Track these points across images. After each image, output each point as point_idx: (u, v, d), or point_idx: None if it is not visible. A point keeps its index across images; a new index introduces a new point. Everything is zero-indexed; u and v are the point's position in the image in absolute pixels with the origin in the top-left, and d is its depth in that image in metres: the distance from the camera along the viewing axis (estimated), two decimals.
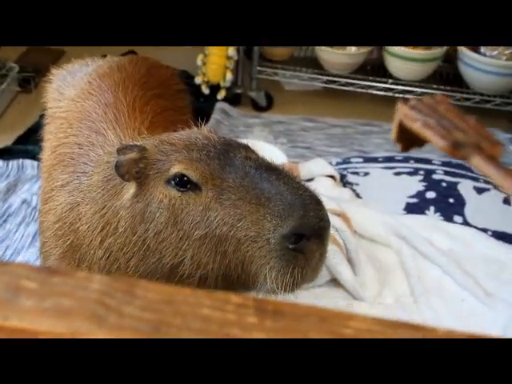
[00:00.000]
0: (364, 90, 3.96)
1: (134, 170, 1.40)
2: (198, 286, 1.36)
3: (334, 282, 2.33)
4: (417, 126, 0.83)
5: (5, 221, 3.04)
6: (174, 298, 0.54)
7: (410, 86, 3.89)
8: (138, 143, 1.47)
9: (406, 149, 0.96)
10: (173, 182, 1.35)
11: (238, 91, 4.16)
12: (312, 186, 2.60)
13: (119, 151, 1.43)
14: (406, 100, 0.88)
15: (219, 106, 4.06)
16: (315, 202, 1.28)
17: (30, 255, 2.83)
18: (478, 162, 0.74)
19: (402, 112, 0.86)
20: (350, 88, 3.98)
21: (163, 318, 0.52)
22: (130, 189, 1.43)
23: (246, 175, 1.30)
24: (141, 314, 0.52)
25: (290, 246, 1.25)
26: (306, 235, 1.24)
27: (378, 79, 3.93)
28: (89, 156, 1.69)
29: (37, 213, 3.03)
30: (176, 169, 1.35)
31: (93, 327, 0.51)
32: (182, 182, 1.34)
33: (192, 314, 0.53)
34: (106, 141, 1.71)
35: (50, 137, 2.01)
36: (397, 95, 3.89)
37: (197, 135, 1.42)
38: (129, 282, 0.55)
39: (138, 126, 1.76)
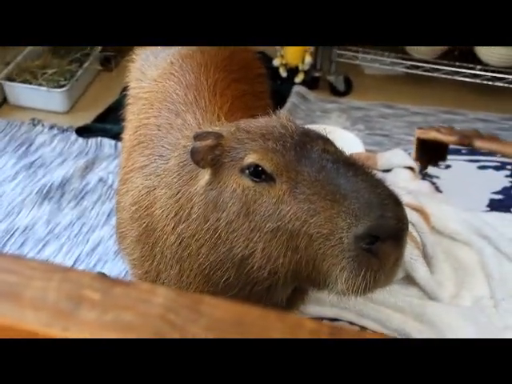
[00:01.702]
0: (449, 77, 3.82)
1: (210, 156, 1.38)
2: (267, 280, 1.33)
3: (408, 279, 2.26)
4: (432, 134, 0.96)
5: (82, 198, 3.14)
6: (242, 318, 0.51)
7: (501, 72, 3.73)
8: (215, 129, 1.45)
9: (425, 165, 1.04)
10: (247, 172, 1.32)
11: (317, 75, 4.10)
12: (390, 177, 2.54)
13: (196, 138, 1.41)
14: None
15: (296, 89, 4.02)
16: (394, 202, 1.21)
17: (105, 233, 2.91)
18: (481, 144, 0.87)
19: (418, 132, 1.00)
20: (435, 74, 3.84)
21: None
22: (205, 175, 1.42)
23: (322, 169, 1.25)
24: (206, 334, 0.50)
25: (364, 247, 1.19)
26: (382, 237, 1.18)
27: (465, 65, 3.78)
28: (167, 139, 1.69)
29: (112, 192, 3.11)
30: (251, 158, 1.31)
31: None
32: (257, 173, 1.31)
33: None
34: (184, 124, 1.70)
35: (132, 117, 2.02)
36: (485, 82, 3.74)
37: (274, 124, 1.38)
38: (194, 297, 0.53)
39: (217, 110, 1.75)
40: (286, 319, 0.52)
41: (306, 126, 1.45)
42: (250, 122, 1.43)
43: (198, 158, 1.39)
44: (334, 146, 1.35)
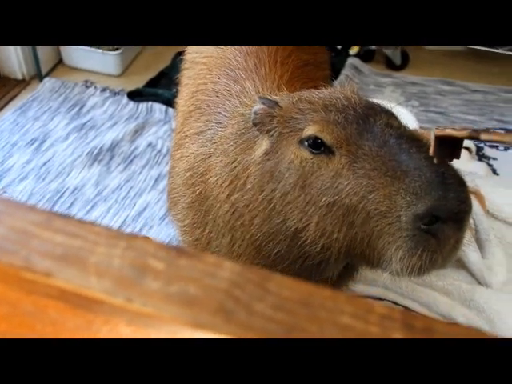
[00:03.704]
0: None
1: (268, 127, 1.36)
2: (319, 255, 1.30)
3: (458, 262, 2.20)
4: (448, 131, 1.06)
5: (130, 162, 3.15)
6: (311, 299, 0.48)
7: None
8: (276, 99, 1.41)
9: (442, 160, 1.13)
10: (306, 143, 1.28)
11: (373, 47, 4.01)
12: None
13: (260, 100, 1.39)
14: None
15: (351, 61, 3.95)
16: (458, 183, 1.15)
17: (152, 197, 2.93)
18: (486, 136, 0.99)
19: (436, 131, 1.09)
20: (500, 50, 3.68)
21: (297, 322, 0.47)
22: (263, 145, 1.39)
23: (384, 144, 1.20)
24: (273, 313, 0.47)
25: (423, 227, 1.14)
26: (443, 218, 1.13)
27: None
28: (225, 106, 1.66)
29: (161, 157, 3.11)
30: (311, 130, 1.27)
31: (219, 322, 0.46)
32: (316, 144, 1.26)
33: (330, 322, 0.47)
34: (243, 91, 1.67)
35: (188, 82, 2.00)
36: None
37: (338, 95, 1.34)
38: (262, 273, 0.50)
39: (277, 79, 1.71)
40: (357, 302, 0.49)
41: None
42: (312, 93, 1.39)
43: (257, 120, 1.37)
44: (398, 120, 1.30)
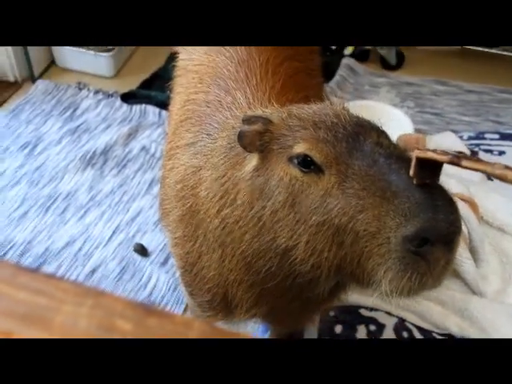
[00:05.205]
0: (508, 53, 3.66)
1: (258, 142, 1.33)
2: (309, 273, 1.29)
3: (452, 272, 2.18)
4: (429, 154, 1.08)
5: (124, 166, 3.13)
6: None
7: None
8: (265, 114, 1.39)
9: (421, 181, 1.13)
10: (295, 161, 1.26)
11: (367, 47, 3.99)
12: None
13: (244, 121, 1.36)
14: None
15: (345, 61, 3.94)
16: (447, 204, 1.13)
17: (145, 202, 2.92)
18: (468, 163, 1.01)
19: (416, 152, 1.11)
20: (493, 49, 3.66)
21: None
22: (252, 161, 1.37)
23: (373, 163, 1.18)
24: None
25: (412, 249, 1.12)
26: (432, 240, 1.11)
27: None
28: (216, 117, 1.65)
29: (155, 161, 3.10)
30: (300, 148, 1.26)
31: None
32: (305, 163, 1.25)
33: None
34: (234, 102, 1.66)
35: (181, 90, 1.98)
36: None
37: (327, 111, 1.32)
38: (230, 334, 0.48)
39: (268, 90, 1.69)
40: None
41: (354, 102, 1.39)
42: (302, 108, 1.37)
43: (246, 142, 1.35)
44: (389, 138, 1.29)
